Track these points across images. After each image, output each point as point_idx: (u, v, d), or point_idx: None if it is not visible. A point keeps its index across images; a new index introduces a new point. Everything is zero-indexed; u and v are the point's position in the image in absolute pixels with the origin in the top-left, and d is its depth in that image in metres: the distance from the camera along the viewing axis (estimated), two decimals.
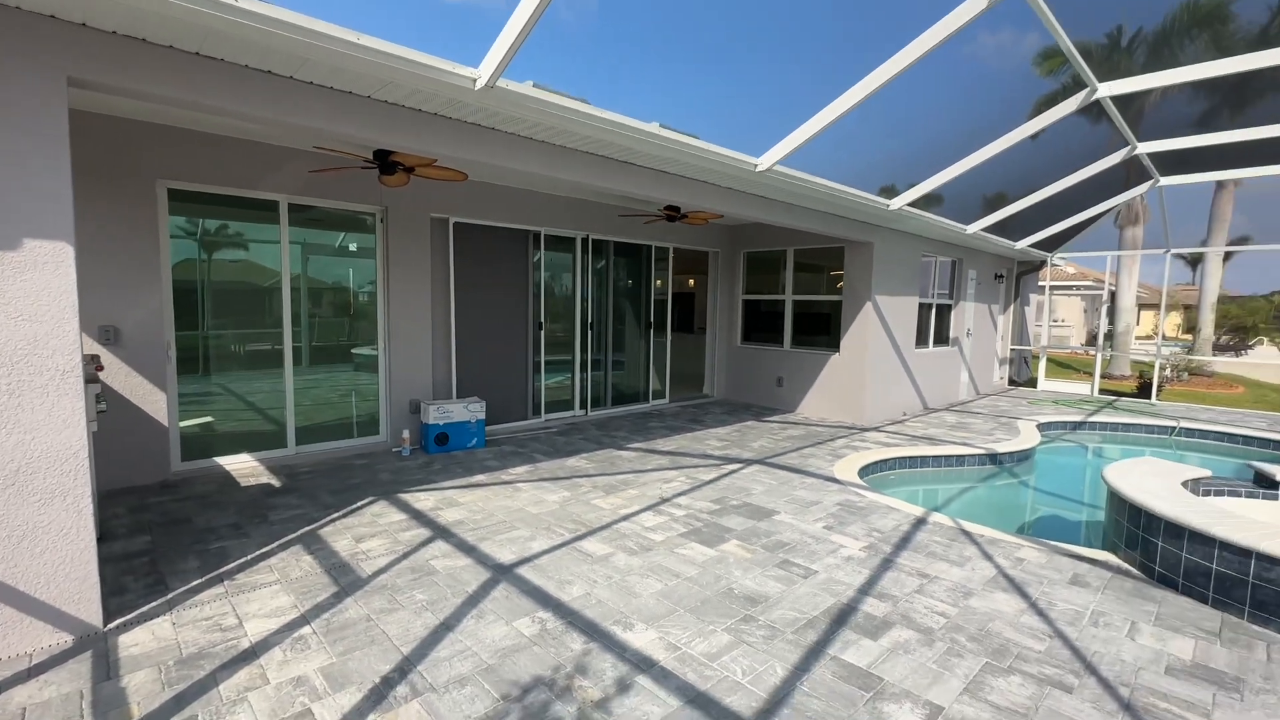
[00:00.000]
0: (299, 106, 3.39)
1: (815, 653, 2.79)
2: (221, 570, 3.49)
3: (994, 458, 6.78)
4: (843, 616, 3.13)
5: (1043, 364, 13.15)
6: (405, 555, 3.75)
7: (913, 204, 7.38)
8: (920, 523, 4.52)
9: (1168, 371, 14.73)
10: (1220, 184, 14.73)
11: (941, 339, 10.44)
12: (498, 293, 7.21)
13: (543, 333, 7.65)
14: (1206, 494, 4.43)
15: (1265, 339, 20.60)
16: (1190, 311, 21.81)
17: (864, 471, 6.00)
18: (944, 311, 10.52)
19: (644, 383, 9.19)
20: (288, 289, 5.74)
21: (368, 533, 4.09)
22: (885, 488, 5.89)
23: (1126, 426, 8.99)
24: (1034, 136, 6.63)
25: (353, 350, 6.40)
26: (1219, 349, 19.38)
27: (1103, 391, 12.24)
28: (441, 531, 4.14)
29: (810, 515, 4.63)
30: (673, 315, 9.67)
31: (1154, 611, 3.25)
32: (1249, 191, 16.02)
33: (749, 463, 6.13)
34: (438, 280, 6.67)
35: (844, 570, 3.69)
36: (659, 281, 9.27)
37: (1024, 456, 7.13)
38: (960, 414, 9.42)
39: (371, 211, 6.22)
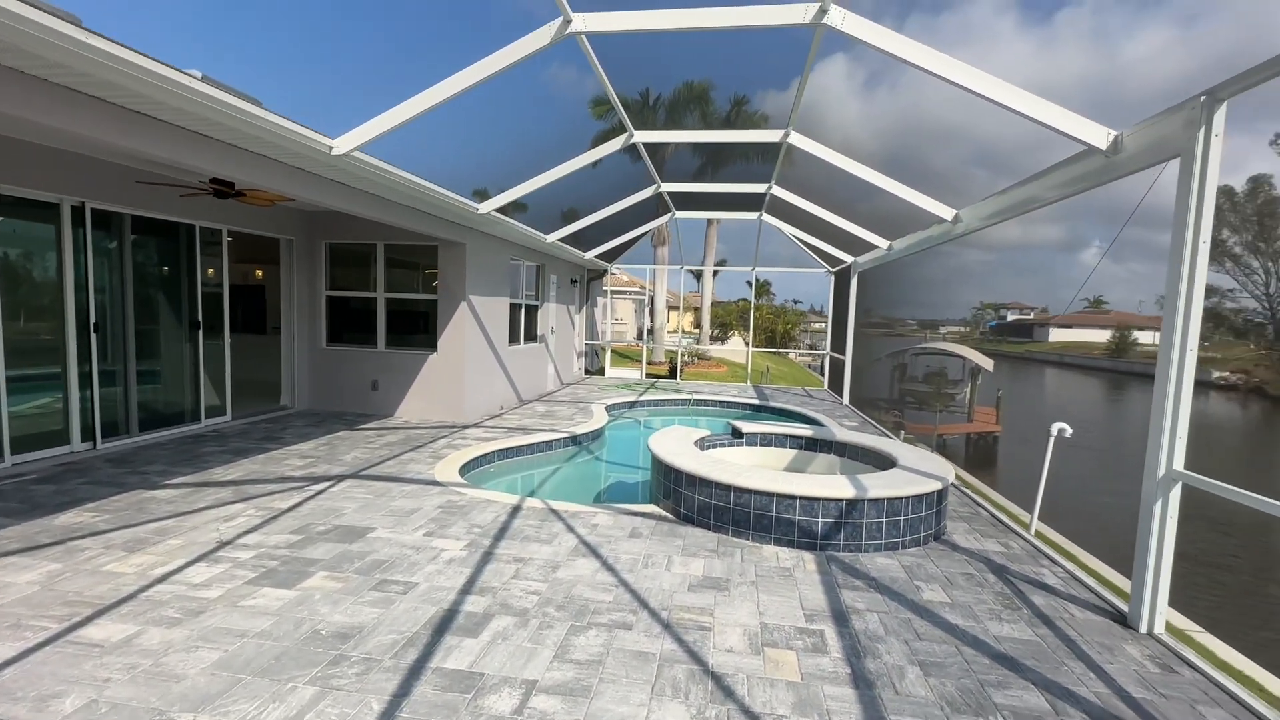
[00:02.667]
0: None
1: (415, 672, 2.67)
2: None
3: (575, 439, 7.81)
4: (445, 623, 3.09)
5: (608, 355, 15.91)
6: None
7: (501, 210, 7.83)
8: (517, 510, 4.85)
9: (685, 357, 19.73)
10: (710, 220, 20.45)
11: (531, 336, 11.47)
12: None
13: None
14: (708, 449, 6.05)
15: (736, 332, 29.89)
16: (698, 312, 29.77)
17: (465, 469, 6.10)
18: (532, 311, 11.57)
19: (192, 398, 7.27)
20: None
21: None
22: (486, 482, 6.13)
23: (663, 402, 11.62)
24: (595, 164, 7.85)
25: None
26: (713, 340, 27.11)
27: (648, 375, 15.53)
28: None
29: (410, 524, 4.44)
30: (235, 312, 7.92)
31: (681, 545, 4.26)
32: (726, 227, 23.04)
33: (340, 479, 5.51)
34: None
35: (446, 575, 3.65)
36: (211, 271, 7.47)
37: (597, 435, 8.43)
38: (549, 403, 10.54)
39: None
